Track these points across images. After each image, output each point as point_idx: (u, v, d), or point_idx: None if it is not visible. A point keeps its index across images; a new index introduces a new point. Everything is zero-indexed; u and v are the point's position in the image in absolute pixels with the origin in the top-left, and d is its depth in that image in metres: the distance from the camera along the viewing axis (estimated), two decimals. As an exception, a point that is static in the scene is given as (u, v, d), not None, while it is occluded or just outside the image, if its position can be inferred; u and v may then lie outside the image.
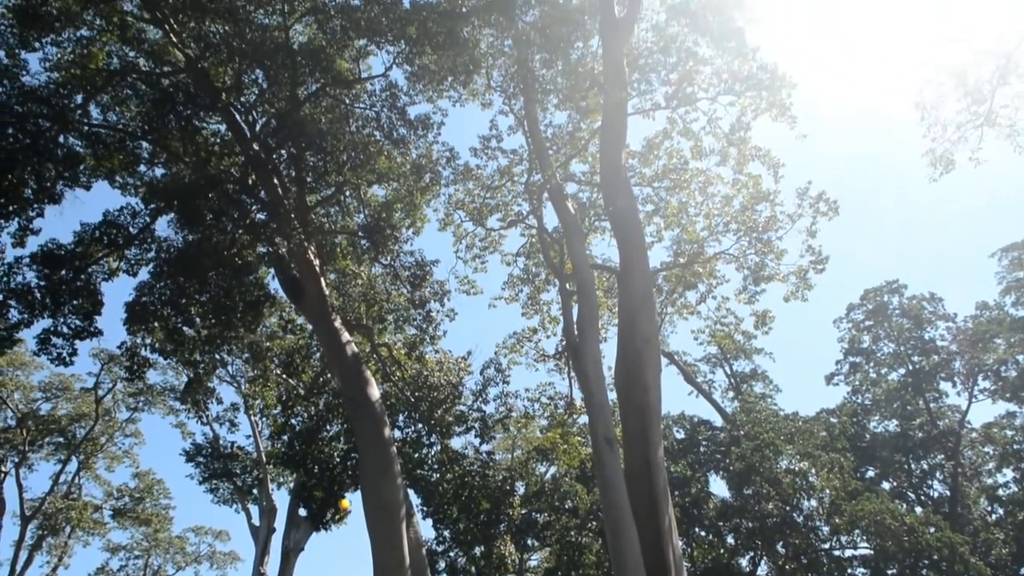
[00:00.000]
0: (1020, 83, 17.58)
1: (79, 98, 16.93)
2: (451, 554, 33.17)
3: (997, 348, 38.33)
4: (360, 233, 22.11)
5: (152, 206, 17.94)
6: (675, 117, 22.12)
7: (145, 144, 18.59)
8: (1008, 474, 39.19)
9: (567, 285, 20.72)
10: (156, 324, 17.55)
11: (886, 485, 39.34)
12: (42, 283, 15.68)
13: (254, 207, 19.31)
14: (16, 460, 42.14)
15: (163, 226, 18.57)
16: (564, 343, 22.85)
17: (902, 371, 42.41)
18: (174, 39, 17.88)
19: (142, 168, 18.91)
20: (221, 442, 39.27)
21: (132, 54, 18.18)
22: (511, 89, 22.31)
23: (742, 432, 32.29)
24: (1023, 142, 17.77)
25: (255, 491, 38.74)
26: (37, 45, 15.88)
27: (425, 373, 23.50)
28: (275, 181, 19.17)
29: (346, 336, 18.93)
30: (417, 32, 19.94)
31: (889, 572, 30.62)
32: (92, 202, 56.80)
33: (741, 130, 21.19)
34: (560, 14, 21.76)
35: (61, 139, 16.48)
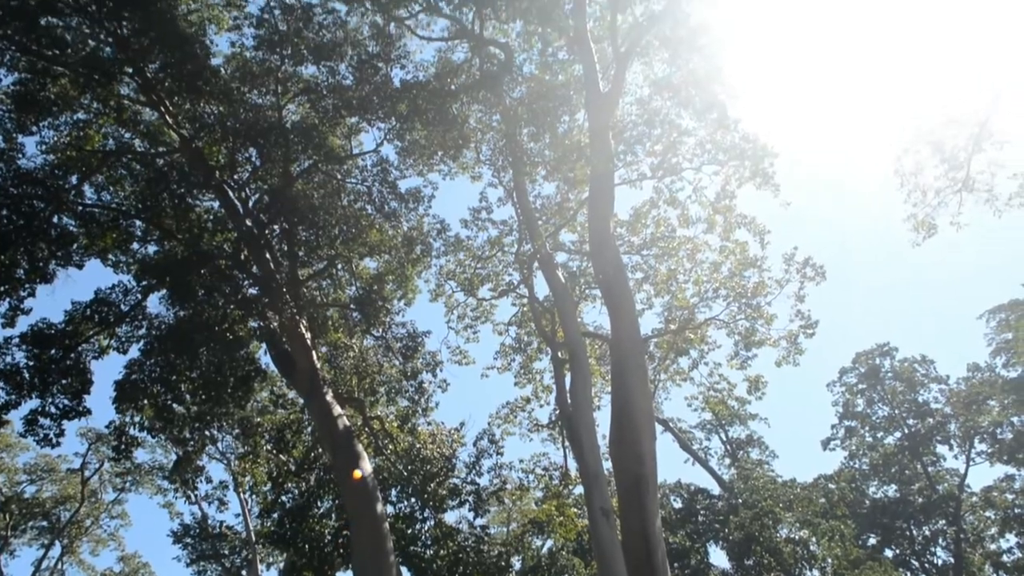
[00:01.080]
0: (994, 150, 18.11)
1: (74, 179, 17.18)
2: (446, 634, 32.07)
3: (991, 410, 38.30)
4: (352, 306, 22.18)
5: (144, 283, 17.99)
6: (661, 186, 22.54)
7: (138, 222, 18.77)
8: (1011, 539, 38.57)
9: (559, 353, 20.70)
10: (146, 402, 17.36)
11: (889, 553, 38.59)
12: (31, 363, 15.57)
13: (246, 282, 19.36)
14: (-2, 546, 40.96)
15: (154, 303, 18.61)
16: (558, 412, 22.72)
17: (898, 434, 42.19)
18: (169, 120, 18.28)
19: (135, 246, 19.05)
20: (210, 521, 38.33)
21: (128, 135, 18.55)
22: (500, 162, 22.76)
23: (740, 500, 31.81)
24: (1002, 206, 18.20)
25: (244, 572, 37.63)
26: (34, 129, 16.20)
27: (418, 446, 23.20)
28: (267, 256, 19.30)
29: (338, 410, 18.75)
30: (408, 109, 20.49)
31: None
32: (84, 280, 56.86)
33: (726, 198, 21.60)
34: (546, 90, 22.45)
35: (55, 219, 16.63)
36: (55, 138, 17.04)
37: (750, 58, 24.17)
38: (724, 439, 41.33)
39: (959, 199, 18.63)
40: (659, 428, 31.98)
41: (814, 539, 30.24)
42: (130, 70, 17.35)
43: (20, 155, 16.03)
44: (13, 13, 14.82)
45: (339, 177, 21.74)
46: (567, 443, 22.77)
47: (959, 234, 19.58)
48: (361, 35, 21.14)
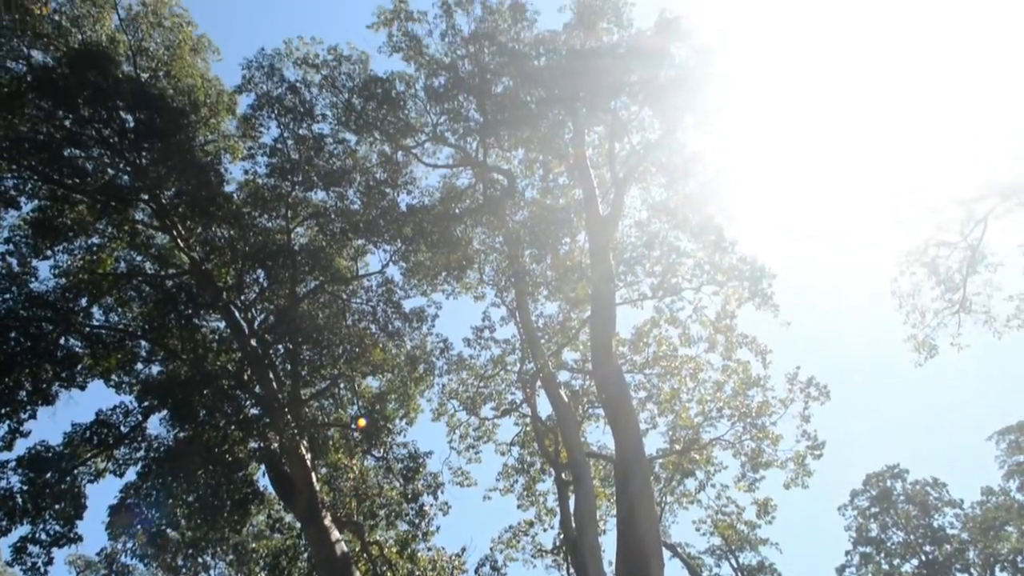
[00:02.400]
0: (988, 272, 18.45)
1: (84, 301, 17.48)
2: None
3: (1010, 536, 37.11)
4: (353, 425, 21.96)
5: (145, 404, 17.92)
6: (662, 306, 22.83)
7: (144, 343, 18.92)
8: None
9: (563, 475, 20.34)
10: (139, 527, 16.92)
11: None
12: (26, 487, 15.30)
13: (248, 402, 19.30)
14: None
15: (155, 424, 18.45)
16: (562, 537, 22.03)
17: (915, 562, 40.66)
18: (180, 243, 18.79)
19: (139, 366, 19.11)
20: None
21: (139, 258, 19.01)
22: (503, 282, 23.14)
23: (755, 631, 30.25)
24: (1001, 328, 18.36)
25: None
26: (49, 253, 16.63)
27: (417, 573, 22.34)
28: (270, 376, 19.32)
29: (335, 534, 18.26)
30: (413, 232, 21.07)
31: None
32: (85, 400, 56.52)
33: (726, 318, 21.82)
34: (548, 213, 23.17)
35: (62, 340, 16.78)
36: (69, 262, 17.48)
37: (745, 179, 25.00)
38: (735, 566, 39.66)
39: (958, 320, 18.84)
40: (667, 554, 30.84)
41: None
42: (146, 197, 18.00)
43: (33, 278, 16.41)
44: (40, 146, 15.57)
45: (344, 297, 22.05)
46: (572, 569, 21.98)
47: (961, 354, 19.63)
48: (369, 162, 22.05)
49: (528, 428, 23.91)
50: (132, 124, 17.67)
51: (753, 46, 23.30)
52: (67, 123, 16.71)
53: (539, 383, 21.77)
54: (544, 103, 22.10)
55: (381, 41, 22.03)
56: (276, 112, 20.21)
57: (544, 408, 22.37)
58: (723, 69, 21.65)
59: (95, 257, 17.97)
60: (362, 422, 22.37)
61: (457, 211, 22.62)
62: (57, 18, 16.72)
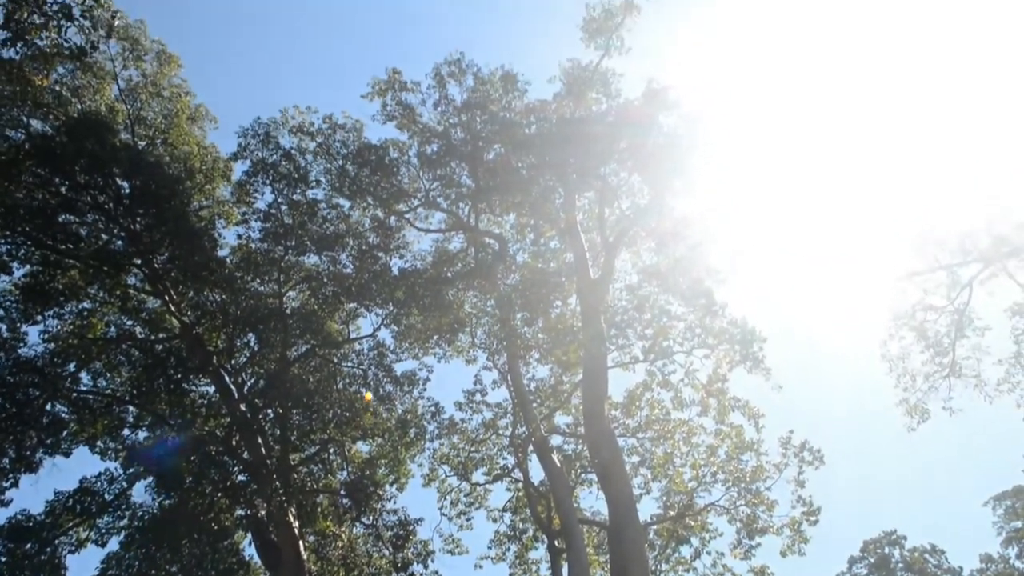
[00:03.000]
0: (976, 336, 18.59)
1: (72, 366, 17.37)
2: None
3: (1014, 607, 36.41)
4: (343, 492, 21.60)
5: (131, 471, 17.66)
6: (653, 370, 22.77)
7: (131, 408, 18.73)
8: None
9: (556, 542, 19.95)
10: (119, 601, 16.48)
11: None
12: (4, 559, 14.92)
13: (236, 468, 19.04)
14: None
15: (140, 491, 18.15)
16: (555, 607, 21.47)
17: (917, 631, 39.74)
18: (172, 307, 18.79)
19: (126, 432, 18.90)
20: None
21: (129, 322, 18.97)
22: (494, 345, 23.11)
23: None
24: (991, 392, 18.41)
25: None
26: (39, 318, 16.60)
27: (406, 646, 21.67)
28: (259, 441, 19.11)
29: (323, 607, 17.78)
30: (405, 296, 21.17)
31: None
32: (69, 467, 55.47)
33: (718, 381, 21.77)
34: (539, 277, 23.35)
35: (48, 406, 16.61)
36: (59, 326, 17.46)
37: (733, 242, 25.30)
38: (733, 635, 38.70)
39: (948, 384, 18.87)
40: (663, 623, 30.01)
41: None
42: (139, 261, 18.09)
43: (22, 344, 16.34)
44: (34, 212, 15.71)
45: (336, 361, 21.98)
46: (566, 642, 21.36)
47: (954, 418, 19.59)
48: (362, 227, 22.28)
49: (520, 494, 23.53)
50: (128, 190, 17.87)
51: (738, 111, 23.93)
52: (63, 190, 16.90)
53: (531, 447, 21.56)
54: (535, 169, 22.53)
55: (375, 109, 22.54)
56: (271, 178, 20.52)
57: (536, 473, 22.07)
58: (710, 136, 22.20)
59: (85, 322, 17.95)
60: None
61: (449, 275, 22.78)
62: (58, 88, 17.09)
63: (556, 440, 23.63)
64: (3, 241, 16.00)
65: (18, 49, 12.57)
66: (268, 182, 20.52)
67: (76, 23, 15.70)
